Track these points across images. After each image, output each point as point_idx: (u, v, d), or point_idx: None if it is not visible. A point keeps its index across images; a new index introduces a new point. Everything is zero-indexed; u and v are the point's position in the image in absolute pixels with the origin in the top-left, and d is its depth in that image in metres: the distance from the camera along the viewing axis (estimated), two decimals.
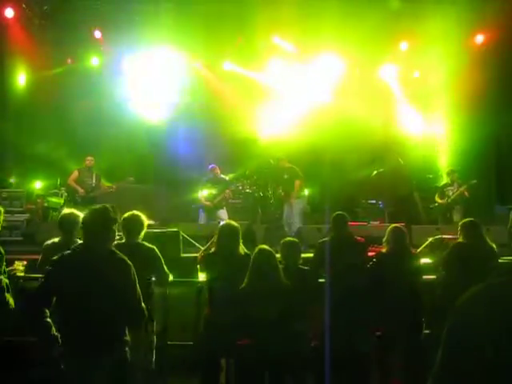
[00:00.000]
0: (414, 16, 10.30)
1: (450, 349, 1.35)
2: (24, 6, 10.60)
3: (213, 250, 5.05)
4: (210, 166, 10.05)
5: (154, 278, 4.80)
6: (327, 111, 11.12)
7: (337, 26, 9.95)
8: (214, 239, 5.04)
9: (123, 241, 4.70)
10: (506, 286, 1.36)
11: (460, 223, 5.61)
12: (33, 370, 4.61)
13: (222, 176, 10.10)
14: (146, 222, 4.87)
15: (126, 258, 3.43)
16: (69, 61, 11.32)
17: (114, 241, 3.59)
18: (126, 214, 4.77)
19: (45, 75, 11.06)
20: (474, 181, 10.14)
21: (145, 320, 3.68)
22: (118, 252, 3.45)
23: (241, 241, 4.96)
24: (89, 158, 9.73)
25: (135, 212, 4.79)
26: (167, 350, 5.19)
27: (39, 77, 11.03)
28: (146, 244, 4.79)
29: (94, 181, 9.71)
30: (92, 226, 3.44)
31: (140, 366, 4.43)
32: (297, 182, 9.81)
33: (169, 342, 5.40)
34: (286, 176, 9.96)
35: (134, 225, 4.77)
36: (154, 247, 4.79)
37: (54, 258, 3.42)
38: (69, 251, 3.42)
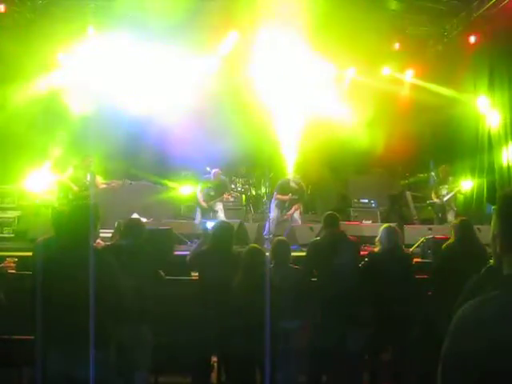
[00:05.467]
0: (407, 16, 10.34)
1: (447, 368, 1.34)
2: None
3: (205, 247, 5.05)
4: (214, 171, 9.91)
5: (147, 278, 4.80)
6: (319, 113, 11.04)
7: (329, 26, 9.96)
8: (206, 238, 5.05)
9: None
10: (496, 301, 1.35)
11: (451, 223, 5.64)
12: (21, 368, 4.59)
13: (224, 178, 10.07)
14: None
15: (110, 256, 3.41)
16: (59, 55, 11.18)
17: (97, 238, 3.59)
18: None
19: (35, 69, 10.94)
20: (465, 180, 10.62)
21: (133, 318, 3.67)
22: (102, 250, 3.44)
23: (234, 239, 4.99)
24: (88, 158, 9.65)
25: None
26: (159, 349, 5.18)
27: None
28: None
29: (88, 179, 9.63)
30: (78, 224, 3.41)
31: (132, 365, 4.42)
32: (296, 206, 9.49)
33: (161, 341, 5.38)
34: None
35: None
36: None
37: (40, 263, 3.40)
38: (55, 252, 3.40)
